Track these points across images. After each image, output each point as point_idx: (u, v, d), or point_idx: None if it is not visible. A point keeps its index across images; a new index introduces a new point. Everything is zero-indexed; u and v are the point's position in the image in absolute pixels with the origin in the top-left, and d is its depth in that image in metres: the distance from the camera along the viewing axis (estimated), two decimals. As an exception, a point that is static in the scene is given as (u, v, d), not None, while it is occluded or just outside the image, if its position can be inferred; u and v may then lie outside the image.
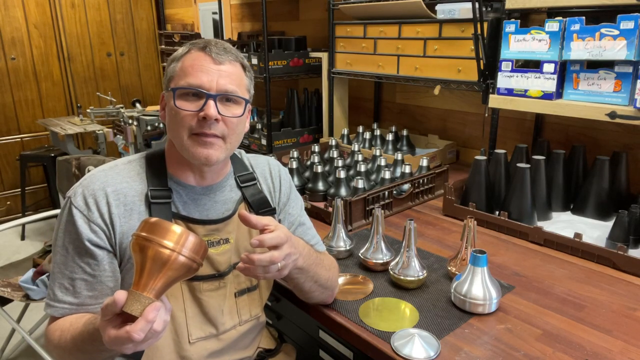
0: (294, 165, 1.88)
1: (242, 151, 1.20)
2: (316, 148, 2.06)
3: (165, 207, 1.00)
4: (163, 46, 3.94)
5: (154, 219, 0.79)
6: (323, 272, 1.08)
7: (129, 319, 0.74)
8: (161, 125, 3.09)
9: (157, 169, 1.04)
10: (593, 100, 1.43)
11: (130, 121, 3.12)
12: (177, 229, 0.78)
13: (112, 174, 1.00)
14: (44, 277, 1.94)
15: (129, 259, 0.98)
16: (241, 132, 1.04)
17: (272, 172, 1.17)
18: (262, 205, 1.12)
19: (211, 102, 0.95)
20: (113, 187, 0.98)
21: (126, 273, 0.99)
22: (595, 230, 1.48)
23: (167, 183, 1.03)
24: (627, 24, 1.29)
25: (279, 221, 1.16)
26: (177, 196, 1.03)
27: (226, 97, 0.97)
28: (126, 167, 1.03)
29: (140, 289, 0.74)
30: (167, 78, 1.01)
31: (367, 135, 2.30)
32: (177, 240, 0.77)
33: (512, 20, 1.55)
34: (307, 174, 1.94)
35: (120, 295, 0.73)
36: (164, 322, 0.75)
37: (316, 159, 1.90)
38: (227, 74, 0.97)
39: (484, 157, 1.62)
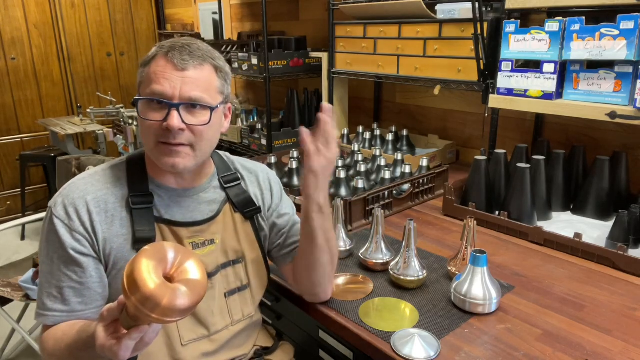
0: (294, 165, 1.87)
1: (228, 154, 1.19)
2: (316, 148, 2.06)
3: (147, 212, 0.99)
4: (163, 46, 3.94)
5: (134, 273, 0.69)
6: (333, 237, 1.10)
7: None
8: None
9: (137, 173, 1.03)
10: (593, 100, 1.43)
11: (130, 121, 3.12)
12: (161, 298, 0.67)
13: (91, 182, 0.99)
14: (44, 277, 1.94)
15: (114, 265, 0.98)
16: (212, 138, 1.01)
17: (259, 176, 1.18)
18: (247, 205, 1.12)
19: (174, 112, 0.92)
20: (93, 195, 0.97)
21: (112, 279, 0.99)
22: (595, 230, 1.48)
23: (149, 187, 1.02)
24: (627, 24, 1.29)
25: (273, 224, 1.17)
26: (158, 200, 1.02)
27: (192, 104, 0.94)
28: (106, 172, 1.02)
29: (128, 315, 0.73)
30: (137, 82, 0.98)
31: (367, 135, 2.30)
32: (163, 312, 0.68)
33: (512, 20, 1.55)
34: (307, 174, 1.94)
35: (119, 303, 0.74)
36: (155, 334, 0.76)
37: (316, 159, 1.90)
38: (192, 80, 0.93)
39: (484, 157, 1.62)
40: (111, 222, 0.97)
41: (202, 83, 0.95)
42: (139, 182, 1.02)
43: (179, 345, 1.03)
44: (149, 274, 0.69)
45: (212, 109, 0.96)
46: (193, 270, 0.75)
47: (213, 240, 1.06)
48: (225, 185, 1.11)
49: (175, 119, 0.91)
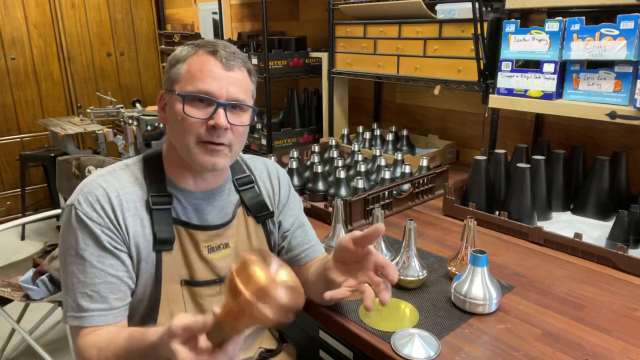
0: (294, 165, 1.87)
1: (240, 152, 1.20)
2: (316, 148, 2.06)
3: (166, 213, 0.99)
4: (163, 46, 3.95)
5: (249, 267, 0.68)
6: None
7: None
8: (161, 125, 3.09)
9: (155, 174, 1.02)
10: (593, 100, 1.43)
11: (130, 121, 3.12)
12: (281, 296, 0.67)
13: (111, 179, 0.98)
14: (44, 277, 1.94)
15: (137, 263, 0.97)
16: (245, 139, 1.03)
17: (270, 174, 1.17)
18: (260, 209, 1.11)
19: (221, 111, 0.93)
20: (115, 193, 0.96)
21: (139, 274, 0.98)
22: (595, 230, 1.48)
23: (167, 188, 1.01)
24: (627, 24, 1.29)
25: (279, 222, 1.16)
26: (176, 202, 1.01)
27: (233, 105, 0.96)
28: (124, 171, 1.01)
29: (225, 325, 0.70)
30: (171, 79, 0.97)
31: (367, 135, 2.30)
32: (273, 306, 0.67)
33: (512, 20, 1.55)
34: (307, 174, 1.94)
35: (208, 320, 0.70)
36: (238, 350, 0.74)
37: (316, 159, 1.90)
38: (237, 82, 0.96)
39: (484, 157, 1.62)
40: (134, 220, 0.97)
41: (244, 85, 0.98)
42: (157, 182, 1.01)
43: None
44: (261, 270, 0.69)
45: (254, 110, 1.00)
46: (290, 277, 0.74)
47: (227, 244, 1.06)
48: (240, 188, 1.10)
49: (222, 118, 0.93)
